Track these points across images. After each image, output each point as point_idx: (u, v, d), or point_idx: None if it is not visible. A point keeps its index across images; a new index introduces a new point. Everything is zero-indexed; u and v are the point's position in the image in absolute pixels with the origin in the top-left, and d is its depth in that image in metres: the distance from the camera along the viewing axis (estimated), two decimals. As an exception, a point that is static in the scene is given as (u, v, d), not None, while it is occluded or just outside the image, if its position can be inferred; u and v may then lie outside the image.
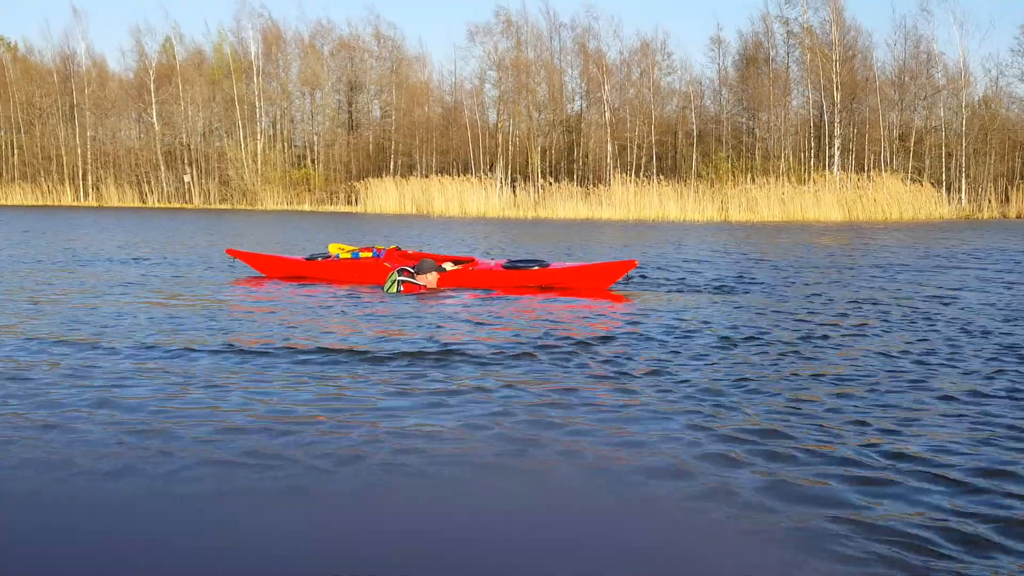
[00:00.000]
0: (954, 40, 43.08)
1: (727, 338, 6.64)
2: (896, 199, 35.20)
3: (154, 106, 50.81)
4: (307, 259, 11.71)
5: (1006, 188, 40.00)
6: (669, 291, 9.98)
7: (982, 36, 57.08)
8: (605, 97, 45.53)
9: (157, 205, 49.64)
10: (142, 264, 13.27)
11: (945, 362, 5.79)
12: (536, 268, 9.97)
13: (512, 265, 10.15)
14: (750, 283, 10.91)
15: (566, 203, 37.70)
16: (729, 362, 5.77)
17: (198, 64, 52.10)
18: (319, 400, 4.70)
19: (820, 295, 9.71)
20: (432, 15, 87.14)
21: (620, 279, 10.05)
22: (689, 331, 7.02)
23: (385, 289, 10.03)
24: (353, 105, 51.97)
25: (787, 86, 44.15)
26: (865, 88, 42.15)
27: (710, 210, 35.58)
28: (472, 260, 10.78)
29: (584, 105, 47.91)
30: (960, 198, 39.95)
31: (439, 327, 7.29)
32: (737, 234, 24.23)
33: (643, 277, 11.30)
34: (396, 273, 10.03)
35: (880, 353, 6.09)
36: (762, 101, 43.31)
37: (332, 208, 45.79)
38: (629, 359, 5.81)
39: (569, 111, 48.14)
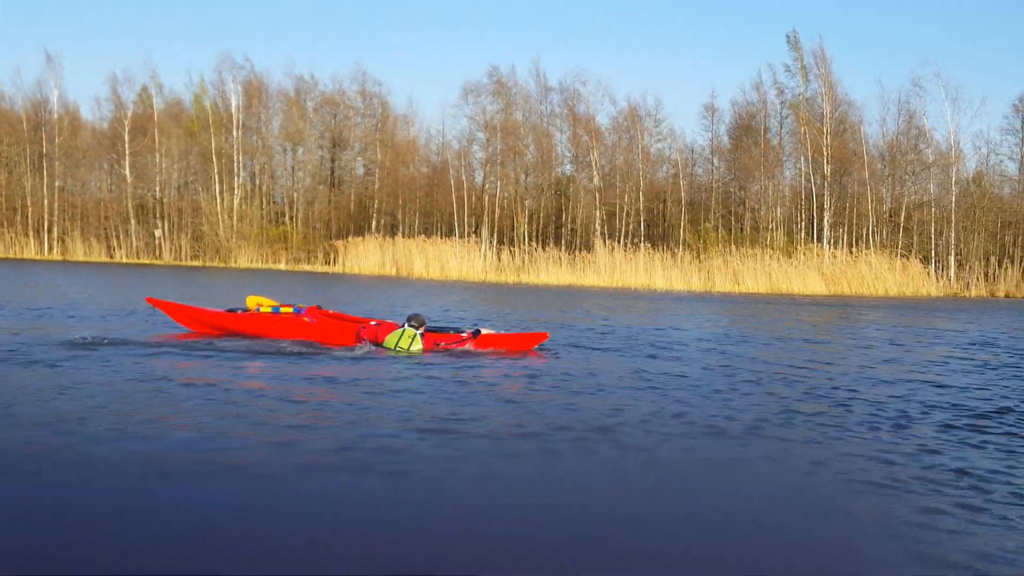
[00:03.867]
0: (945, 116, 46.51)
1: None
2: (882, 275, 38.28)
3: (127, 157, 53.45)
4: (227, 312, 12.89)
5: (995, 267, 43.21)
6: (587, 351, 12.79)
7: (973, 113, 61.46)
8: (594, 162, 48.80)
9: (125, 260, 51.91)
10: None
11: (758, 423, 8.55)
12: (462, 334, 12.38)
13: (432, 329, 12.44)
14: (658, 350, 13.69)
15: (550, 269, 40.58)
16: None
17: (176, 115, 55.04)
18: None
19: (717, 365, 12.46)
20: (421, 74, 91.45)
21: (535, 347, 12.59)
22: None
23: (399, 346, 11.60)
24: (336, 162, 55.02)
25: (778, 157, 47.61)
26: (855, 162, 45.58)
27: (696, 280, 38.53)
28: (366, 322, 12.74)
29: (573, 169, 51.13)
30: (948, 275, 43.11)
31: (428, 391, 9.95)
32: (703, 307, 27.02)
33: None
34: (411, 328, 11.77)
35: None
36: (752, 171, 46.65)
37: (309, 267, 48.27)
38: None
39: (559, 174, 51.30)
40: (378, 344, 11.95)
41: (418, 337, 11.82)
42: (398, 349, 11.69)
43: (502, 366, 10.79)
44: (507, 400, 8.40)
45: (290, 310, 12.67)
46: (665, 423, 7.54)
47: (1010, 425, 8.01)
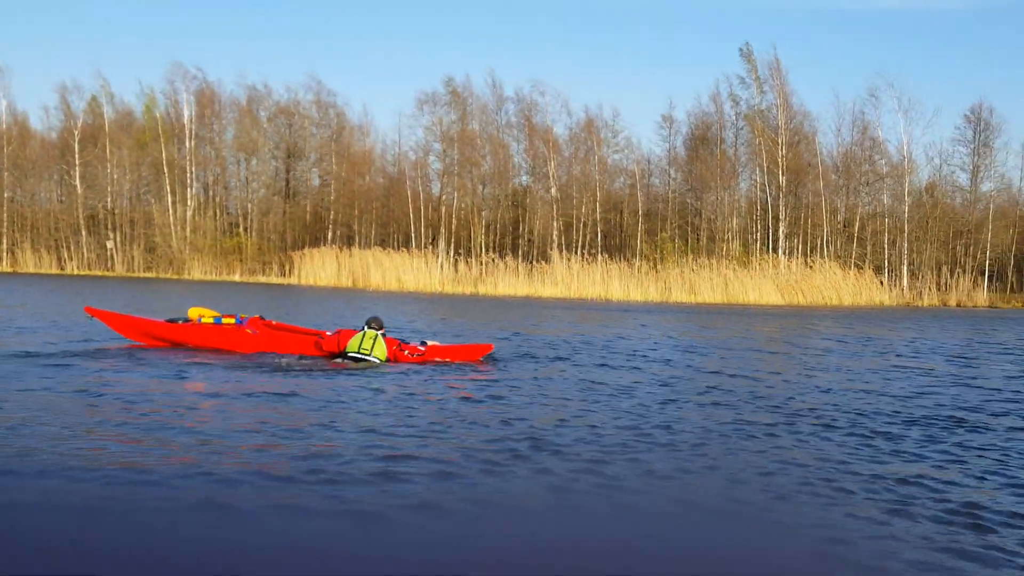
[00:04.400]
0: (898, 127, 47.26)
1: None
2: (836, 285, 38.70)
3: (77, 167, 52.75)
4: (167, 322, 12.78)
5: (946, 276, 43.90)
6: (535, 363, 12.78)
7: (926, 124, 62.65)
8: (551, 173, 48.92)
9: (77, 272, 51.25)
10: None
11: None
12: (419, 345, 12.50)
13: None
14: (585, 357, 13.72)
15: (507, 280, 40.54)
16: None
17: (127, 125, 54.38)
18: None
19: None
20: (376, 84, 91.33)
21: (482, 357, 12.63)
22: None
23: (362, 348, 11.58)
24: (291, 172, 54.66)
25: (734, 168, 48.05)
26: (810, 173, 46.13)
27: (653, 291, 38.68)
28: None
29: (530, 180, 51.21)
30: (901, 285, 43.73)
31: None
32: (653, 317, 27.16)
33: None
34: (372, 330, 11.78)
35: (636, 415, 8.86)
36: (708, 182, 47.02)
37: (264, 279, 47.84)
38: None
39: (516, 185, 51.36)
40: (341, 352, 11.89)
41: (380, 338, 11.85)
42: (362, 350, 11.70)
43: (446, 380, 10.70)
44: (447, 417, 8.30)
45: (232, 321, 12.53)
46: (609, 435, 7.51)
47: (943, 433, 8.08)
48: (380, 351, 11.81)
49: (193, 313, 12.79)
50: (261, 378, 10.20)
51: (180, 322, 12.72)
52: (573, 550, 4.83)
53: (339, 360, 11.85)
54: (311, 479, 5.80)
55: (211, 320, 12.59)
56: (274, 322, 13.11)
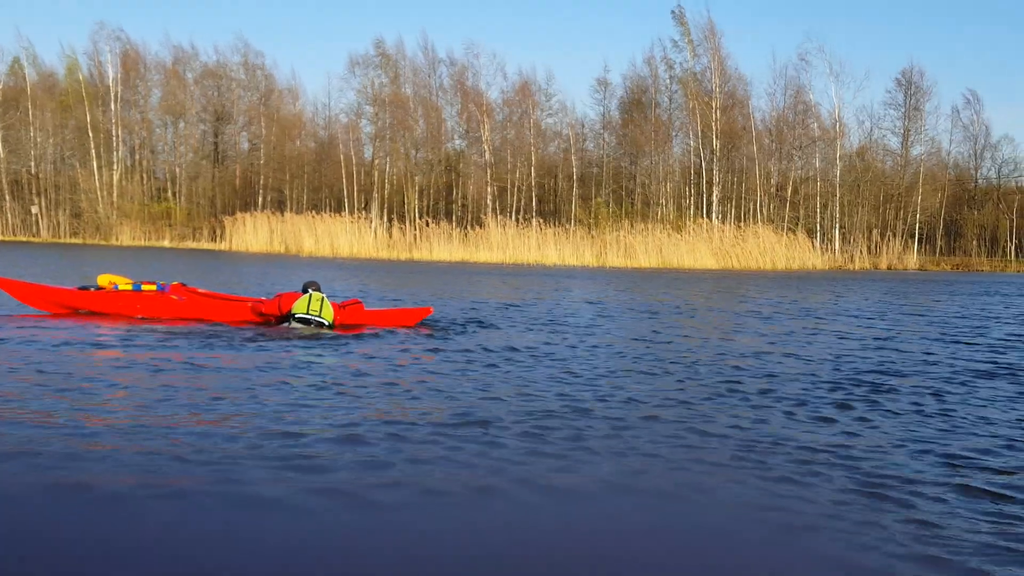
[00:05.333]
0: (830, 91, 47.69)
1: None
2: (769, 249, 38.97)
3: (-1, 131, 51.20)
4: (79, 290, 11.92)
5: (877, 239, 44.53)
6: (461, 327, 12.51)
7: (857, 88, 63.44)
8: (485, 137, 48.45)
9: (0, 238, 49.89)
10: None
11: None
12: (352, 306, 12.16)
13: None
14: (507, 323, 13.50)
15: (442, 245, 40.18)
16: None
17: (50, 87, 52.76)
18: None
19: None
20: (306, 45, 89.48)
21: (419, 322, 12.34)
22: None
23: (311, 310, 11.21)
24: (219, 136, 53.46)
25: (668, 132, 48.02)
26: (743, 137, 46.30)
27: (588, 255, 38.59)
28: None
29: (464, 144, 50.76)
30: (833, 248, 44.26)
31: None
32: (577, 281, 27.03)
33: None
34: (317, 292, 11.43)
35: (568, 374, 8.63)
36: (643, 146, 46.96)
37: (194, 245, 46.94)
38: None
39: (449, 149, 50.90)
40: (285, 315, 11.43)
41: (327, 300, 11.51)
42: (311, 312, 11.31)
43: (381, 348, 10.31)
44: (379, 390, 7.91)
45: (153, 288, 11.81)
46: (546, 408, 7.20)
47: (868, 399, 7.94)
48: (328, 313, 11.42)
49: (103, 281, 11.98)
50: (188, 349, 9.48)
51: (92, 290, 11.91)
52: (517, 537, 4.48)
53: (286, 324, 11.38)
54: (215, 461, 5.20)
55: (129, 287, 11.83)
56: (199, 290, 12.37)
